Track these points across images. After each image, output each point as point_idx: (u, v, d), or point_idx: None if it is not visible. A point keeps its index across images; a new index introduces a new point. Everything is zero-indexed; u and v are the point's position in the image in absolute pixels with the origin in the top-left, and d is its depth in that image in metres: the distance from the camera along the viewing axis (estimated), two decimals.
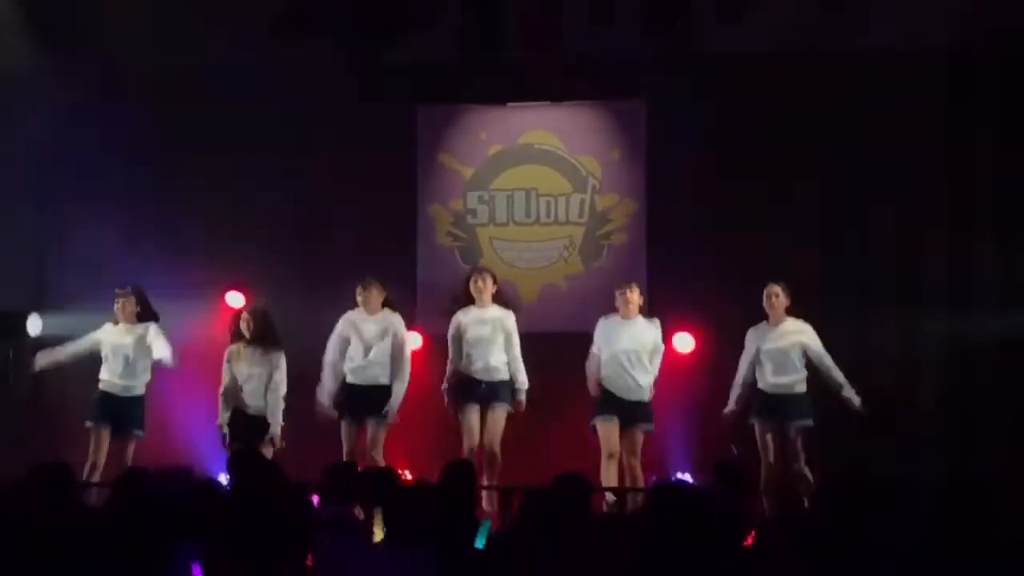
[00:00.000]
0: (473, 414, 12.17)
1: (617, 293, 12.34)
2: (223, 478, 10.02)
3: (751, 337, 12.13)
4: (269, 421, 12.14)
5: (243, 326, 12.30)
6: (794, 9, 13.03)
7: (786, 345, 12.01)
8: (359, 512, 7.73)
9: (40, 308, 14.20)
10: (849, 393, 11.90)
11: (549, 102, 14.40)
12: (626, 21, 13.02)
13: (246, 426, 12.17)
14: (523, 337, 12.44)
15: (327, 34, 13.47)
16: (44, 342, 13.94)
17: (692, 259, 13.55)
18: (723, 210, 13.67)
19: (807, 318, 12.14)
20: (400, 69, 13.97)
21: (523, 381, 12.28)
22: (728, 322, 12.44)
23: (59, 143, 14.54)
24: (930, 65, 13.53)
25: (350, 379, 12.33)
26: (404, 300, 13.55)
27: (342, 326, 12.38)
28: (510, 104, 14.45)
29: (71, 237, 14.66)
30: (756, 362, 12.08)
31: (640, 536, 6.28)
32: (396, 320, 12.41)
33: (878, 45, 13.29)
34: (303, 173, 14.14)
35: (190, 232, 14.19)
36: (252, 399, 12.21)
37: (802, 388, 12.03)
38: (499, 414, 12.21)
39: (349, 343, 12.34)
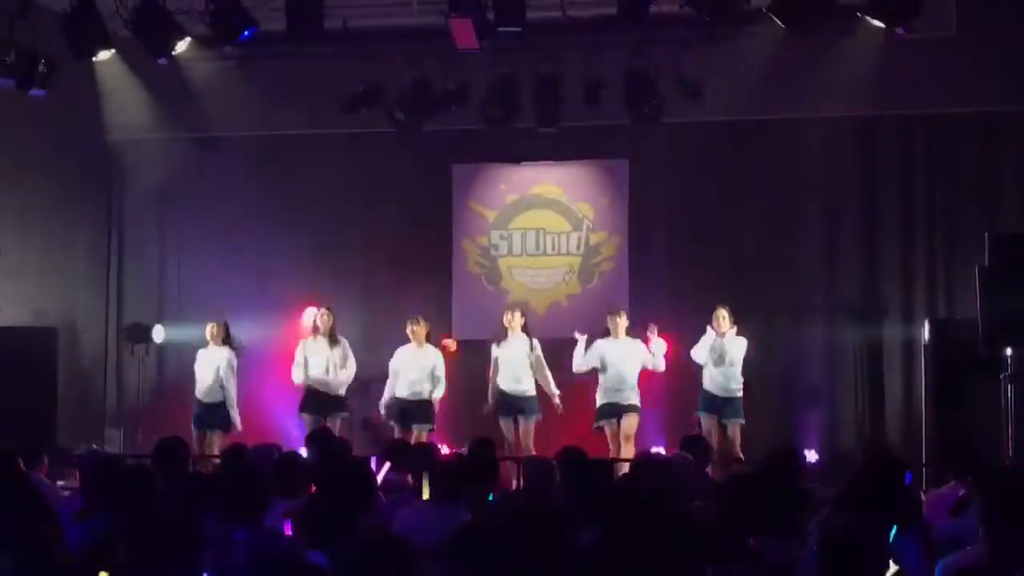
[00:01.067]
0: (509, 425, 12.23)
1: (608, 317, 12.40)
2: (303, 451, 10.09)
3: (706, 340, 12.09)
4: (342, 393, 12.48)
5: (318, 320, 12.50)
6: (739, 88, 13.03)
7: (727, 354, 12.04)
8: (410, 478, 7.77)
9: (163, 320, 14.34)
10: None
11: (553, 161, 14.43)
12: (612, 100, 13.06)
13: (321, 403, 12.38)
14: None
15: (383, 110, 13.53)
16: (166, 347, 14.12)
17: (665, 282, 13.56)
18: (688, 244, 13.73)
19: (751, 327, 12.26)
20: (439, 136, 13.92)
21: (554, 391, 12.36)
22: (693, 330, 12.45)
23: (175, 192, 14.72)
24: (846, 128, 13.62)
25: (400, 394, 12.42)
26: (442, 313, 13.72)
27: (395, 364, 12.47)
28: (523, 163, 14.50)
29: (185, 266, 14.80)
30: (707, 365, 12.05)
31: (624, 492, 6.36)
32: (435, 353, 12.52)
33: (804, 113, 13.35)
34: (364, 216, 14.25)
35: (275, 261, 14.24)
36: (322, 379, 12.39)
37: (739, 392, 12.05)
38: (530, 424, 12.25)
39: (399, 375, 12.44)
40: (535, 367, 12.33)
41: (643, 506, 5.60)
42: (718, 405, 12.03)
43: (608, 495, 6.12)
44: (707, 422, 12.01)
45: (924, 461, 11.61)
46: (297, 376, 12.48)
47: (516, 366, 12.28)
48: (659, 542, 4.38)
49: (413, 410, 12.35)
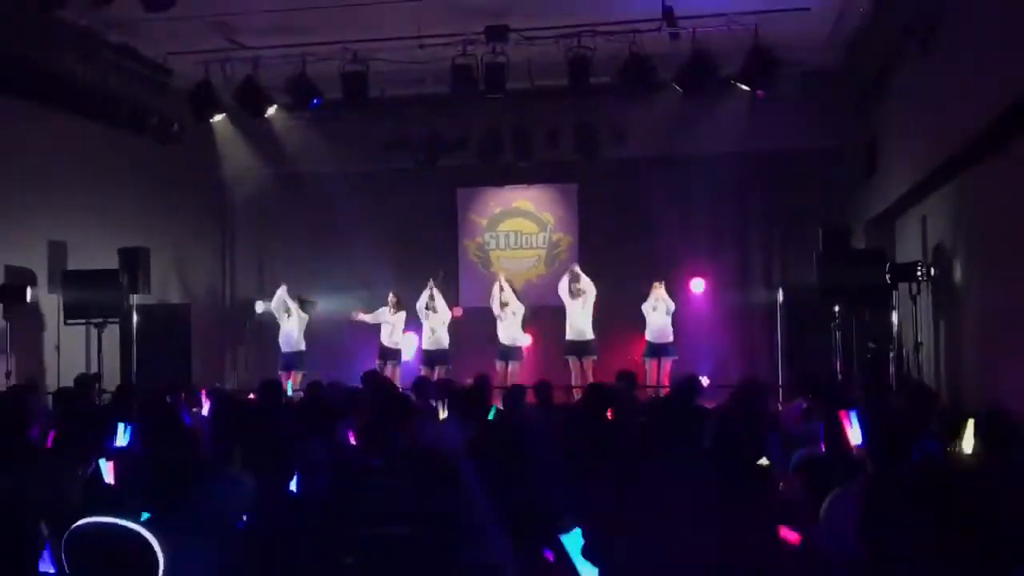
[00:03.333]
0: (502, 366, 12.19)
1: (568, 270, 12.51)
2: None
3: (647, 304, 12.10)
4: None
5: (390, 299, 12.63)
6: (652, 133, 13.01)
7: (664, 312, 12.05)
8: (434, 403, 7.78)
9: (261, 298, 14.30)
10: None
11: (526, 185, 14.40)
12: (566, 142, 13.11)
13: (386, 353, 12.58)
14: None
15: (407, 152, 13.55)
16: (264, 316, 14.10)
17: (602, 266, 13.50)
18: (619, 241, 13.68)
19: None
20: (448, 169, 13.93)
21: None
22: (623, 301, 12.46)
23: (268, 210, 14.66)
24: (725, 160, 13.42)
25: (426, 347, 12.46)
26: (453, 289, 13.73)
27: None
28: (506, 187, 14.48)
29: (275, 261, 14.75)
30: (649, 319, 12.04)
31: (579, 411, 6.39)
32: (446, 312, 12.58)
33: (697, 151, 13.23)
34: (395, 227, 14.07)
35: (335, 254, 14.16)
36: (389, 341, 12.58)
37: (671, 338, 12.05)
38: (516, 368, 12.22)
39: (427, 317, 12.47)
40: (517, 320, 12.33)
41: (593, 421, 5.65)
42: (659, 350, 12.01)
43: (568, 415, 6.15)
44: (651, 363, 11.99)
45: (780, 384, 11.67)
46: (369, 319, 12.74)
47: (509, 325, 12.24)
48: (603, 445, 4.41)
49: (438, 357, 12.37)
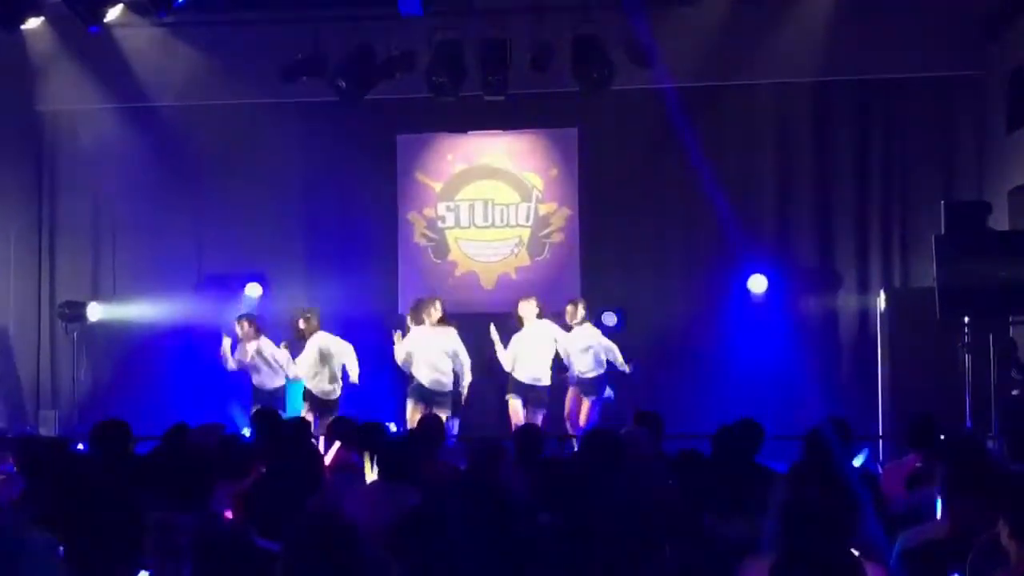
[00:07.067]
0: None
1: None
2: (246, 431, 10.03)
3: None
4: None
5: (302, 324, 12.49)
6: (690, 54, 13.09)
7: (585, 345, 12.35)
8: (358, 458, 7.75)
9: (97, 298, 14.20)
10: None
11: (501, 130, 14.38)
12: (560, 66, 13.06)
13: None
14: (484, 316, 12.68)
15: (324, 78, 13.47)
16: (100, 326, 13.99)
17: (614, 253, 13.60)
18: (640, 215, 13.74)
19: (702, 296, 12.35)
20: (383, 105, 13.92)
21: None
22: (644, 304, 12.49)
23: (108, 165, 14.48)
24: (798, 94, 13.65)
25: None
26: (389, 288, 13.68)
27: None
28: (470, 132, 14.43)
29: (120, 241, 14.66)
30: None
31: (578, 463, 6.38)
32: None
33: (756, 79, 13.41)
34: (305, 188, 14.14)
35: (212, 235, 14.20)
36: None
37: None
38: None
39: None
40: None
41: (595, 492, 5.63)
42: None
43: (562, 479, 6.14)
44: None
45: (880, 433, 11.69)
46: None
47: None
48: (612, 527, 4.40)
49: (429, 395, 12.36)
